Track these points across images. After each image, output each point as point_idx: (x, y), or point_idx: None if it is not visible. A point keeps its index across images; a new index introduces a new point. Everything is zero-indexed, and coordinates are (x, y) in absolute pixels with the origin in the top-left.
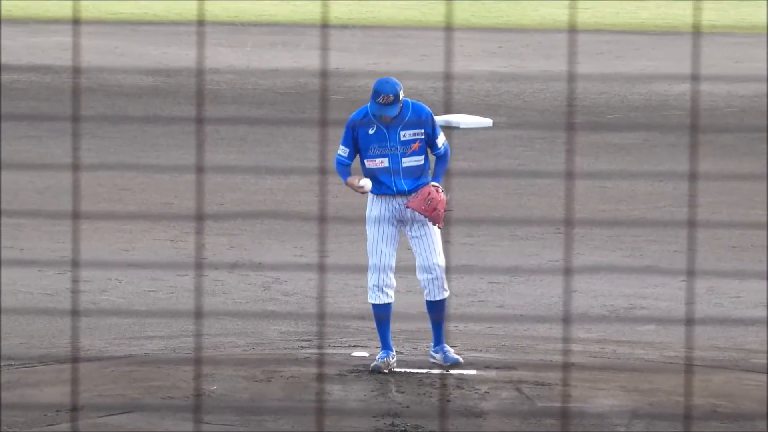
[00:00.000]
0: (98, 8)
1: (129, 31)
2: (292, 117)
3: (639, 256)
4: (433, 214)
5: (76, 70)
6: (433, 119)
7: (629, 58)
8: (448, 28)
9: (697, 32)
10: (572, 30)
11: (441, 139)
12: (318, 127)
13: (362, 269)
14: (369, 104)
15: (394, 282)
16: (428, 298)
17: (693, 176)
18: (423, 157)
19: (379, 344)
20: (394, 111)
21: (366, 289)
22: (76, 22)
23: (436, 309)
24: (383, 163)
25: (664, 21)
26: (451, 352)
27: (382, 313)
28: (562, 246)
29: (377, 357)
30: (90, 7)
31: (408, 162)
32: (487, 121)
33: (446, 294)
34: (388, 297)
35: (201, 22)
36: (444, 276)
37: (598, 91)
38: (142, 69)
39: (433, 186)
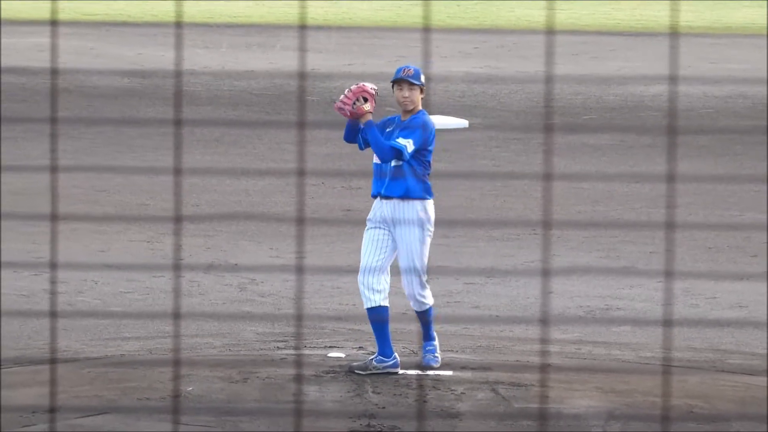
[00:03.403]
0: (73, 9)
1: (104, 32)
2: (268, 118)
3: (615, 257)
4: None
5: (54, 72)
6: (422, 128)
7: (605, 59)
8: (426, 29)
9: (674, 33)
10: (549, 31)
11: (403, 141)
12: (294, 128)
13: (338, 270)
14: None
15: (383, 286)
16: (412, 306)
17: (671, 177)
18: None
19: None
20: (412, 81)
21: (342, 291)
22: (54, 23)
23: (420, 316)
24: (377, 159)
25: (639, 22)
26: (432, 355)
27: (372, 317)
28: (537, 247)
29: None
30: (65, 8)
31: (395, 162)
32: (463, 122)
33: (425, 306)
34: (373, 301)
35: (179, 24)
36: (421, 286)
37: (574, 92)
38: (118, 70)
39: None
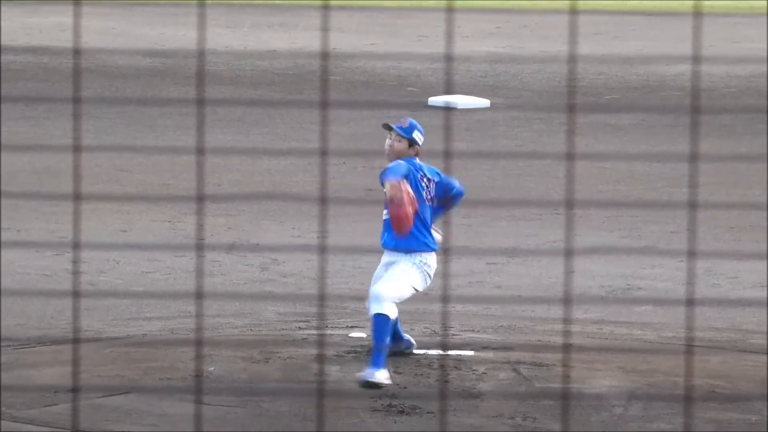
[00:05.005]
0: None
1: (126, 11)
2: (290, 98)
3: (637, 236)
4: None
5: (77, 51)
6: (385, 173)
7: (627, 38)
8: (448, 9)
9: (697, 12)
10: (572, 11)
11: (387, 185)
12: (317, 108)
13: (360, 250)
14: None
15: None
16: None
17: (693, 157)
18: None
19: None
20: (398, 131)
21: (363, 271)
22: (76, 2)
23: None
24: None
25: (661, 2)
26: (370, 374)
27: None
28: (559, 227)
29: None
30: None
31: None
32: (485, 102)
33: (373, 310)
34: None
35: (201, 3)
36: (376, 298)
37: (596, 72)
38: (140, 50)
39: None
